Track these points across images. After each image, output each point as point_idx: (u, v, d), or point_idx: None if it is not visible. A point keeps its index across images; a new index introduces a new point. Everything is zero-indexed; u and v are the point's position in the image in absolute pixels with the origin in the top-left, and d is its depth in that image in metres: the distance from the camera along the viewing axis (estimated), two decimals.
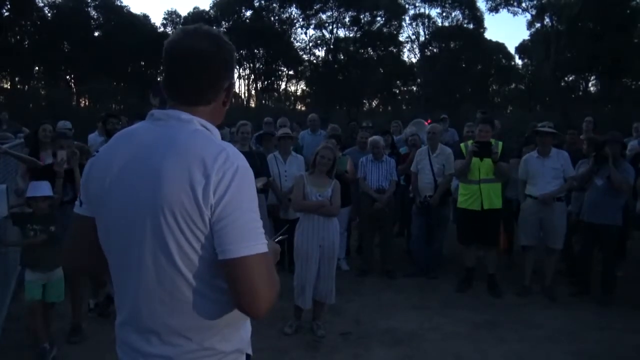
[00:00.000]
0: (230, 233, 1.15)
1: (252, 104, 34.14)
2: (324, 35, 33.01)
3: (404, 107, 33.58)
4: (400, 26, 32.99)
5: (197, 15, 30.57)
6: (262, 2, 31.85)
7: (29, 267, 3.71)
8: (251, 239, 1.17)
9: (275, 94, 36.78)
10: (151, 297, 1.21)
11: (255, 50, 32.74)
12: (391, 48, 33.23)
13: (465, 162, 5.16)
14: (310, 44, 33.50)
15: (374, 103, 37.53)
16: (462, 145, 5.43)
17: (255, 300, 1.17)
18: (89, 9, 30.22)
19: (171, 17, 33.08)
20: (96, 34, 30.43)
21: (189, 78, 1.26)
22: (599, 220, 4.97)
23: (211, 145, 1.20)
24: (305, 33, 33.67)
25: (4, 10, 26.71)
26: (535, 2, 27.76)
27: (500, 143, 5.24)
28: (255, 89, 35.86)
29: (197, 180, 1.14)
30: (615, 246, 5.20)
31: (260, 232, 1.20)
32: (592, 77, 31.42)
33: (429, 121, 8.24)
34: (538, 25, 29.70)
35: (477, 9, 31.93)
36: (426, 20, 33.10)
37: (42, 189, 3.74)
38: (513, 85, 36.18)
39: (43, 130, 5.13)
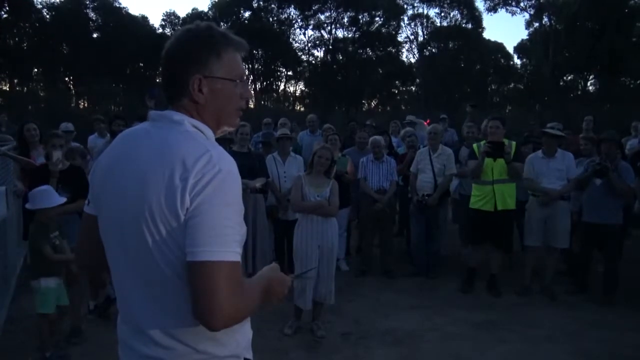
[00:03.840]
0: (196, 235, 1.09)
1: (252, 105, 34.10)
2: (322, 35, 33.03)
3: (403, 107, 33.55)
4: (399, 26, 33.07)
5: (195, 17, 30.46)
6: (261, 2, 31.85)
7: (45, 275, 3.50)
8: (217, 245, 1.09)
9: (274, 94, 36.75)
10: (142, 299, 1.20)
11: (254, 51, 32.68)
12: (390, 48, 33.23)
13: (478, 162, 5.10)
14: (309, 45, 33.55)
15: (373, 103, 37.49)
16: (474, 145, 5.35)
17: (210, 310, 1.08)
18: (88, 11, 30.15)
19: (170, 18, 33.10)
20: (95, 35, 30.34)
21: (163, 73, 1.28)
22: (599, 220, 4.96)
23: (195, 147, 1.15)
24: (304, 34, 33.74)
25: (3, 12, 26.70)
26: (533, 1, 27.79)
27: (514, 143, 5.19)
28: (254, 89, 35.84)
29: (176, 183, 1.10)
30: (617, 245, 5.19)
31: (233, 240, 1.12)
32: (591, 76, 31.41)
33: (427, 121, 8.25)
34: (536, 24, 29.76)
35: (475, 9, 32.06)
36: (425, 20, 33.19)
37: (54, 198, 3.53)
38: (512, 85, 36.16)
39: (27, 130, 5.12)
